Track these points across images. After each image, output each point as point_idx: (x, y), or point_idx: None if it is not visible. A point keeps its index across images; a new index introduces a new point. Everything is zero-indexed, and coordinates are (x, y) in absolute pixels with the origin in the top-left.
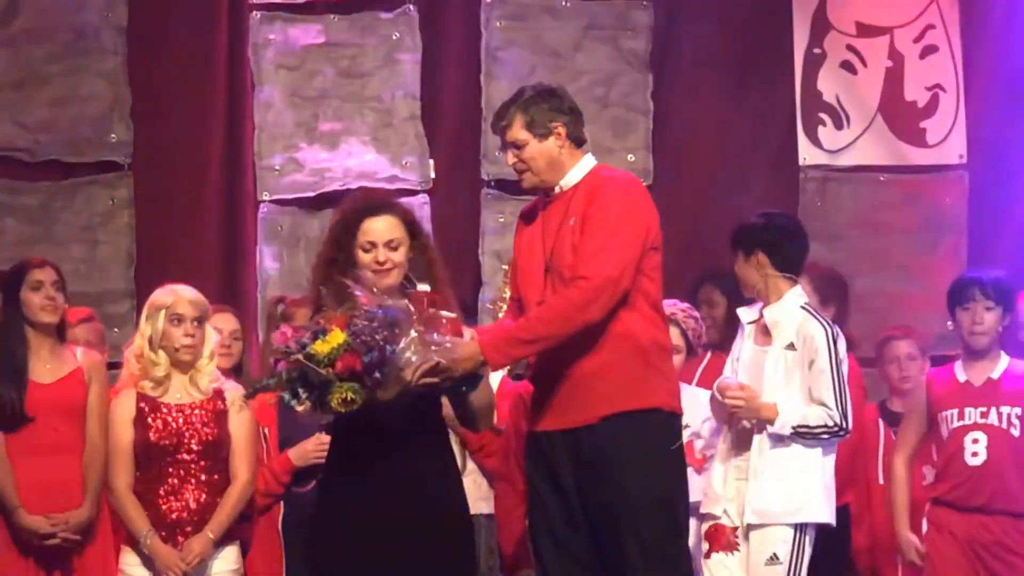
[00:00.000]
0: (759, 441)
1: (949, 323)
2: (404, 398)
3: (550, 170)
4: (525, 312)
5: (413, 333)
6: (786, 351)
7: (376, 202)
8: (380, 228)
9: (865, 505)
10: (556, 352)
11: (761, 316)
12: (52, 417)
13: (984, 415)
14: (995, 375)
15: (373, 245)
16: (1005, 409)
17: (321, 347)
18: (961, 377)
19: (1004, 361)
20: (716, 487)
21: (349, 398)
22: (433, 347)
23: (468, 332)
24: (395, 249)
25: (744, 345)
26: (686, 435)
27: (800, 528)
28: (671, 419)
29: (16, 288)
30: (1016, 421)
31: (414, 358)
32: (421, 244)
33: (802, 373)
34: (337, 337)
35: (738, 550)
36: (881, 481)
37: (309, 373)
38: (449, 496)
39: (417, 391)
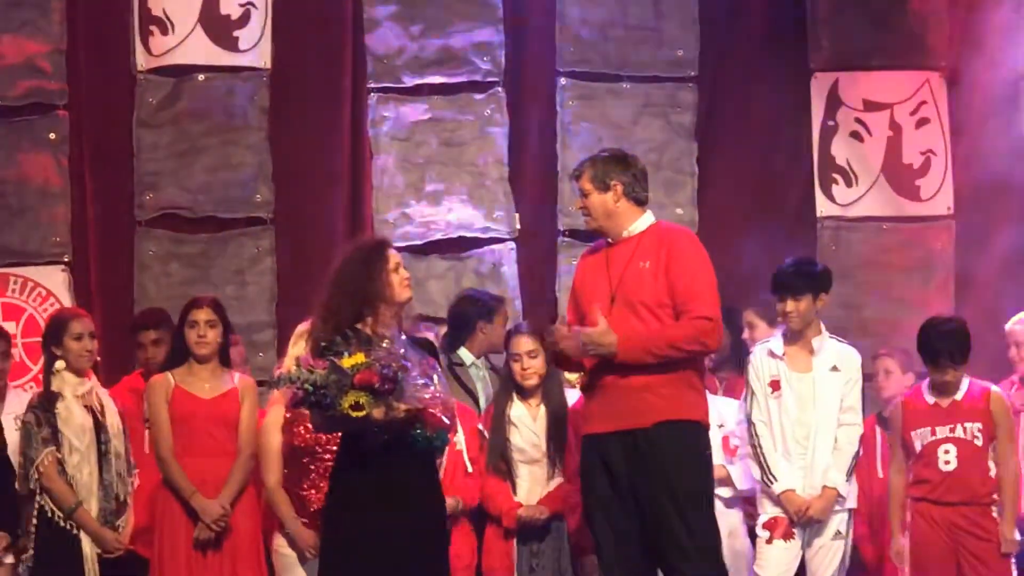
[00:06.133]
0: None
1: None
2: (390, 424)
3: (606, 218)
4: None
5: (419, 380)
6: (830, 373)
7: (384, 239)
8: (397, 256)
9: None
10: (615, 367)
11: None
12: (209, 425)
13: (952, 430)
14: (959, 397)
15: (399, 265)
16: (968, 424)
17: (346, 361)
18: (929, 400)
19: (965, 383)
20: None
21: (360, 403)
22: (418, 393)
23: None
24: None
25: (781, 372)
26: (722, 432)
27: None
28: (706, 430)
29: (182, 324)
30: (978, 434)
31: (415, 393)
32: None
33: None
34: (360, 358)
35: (794, 538)
36: (880, 475)
37: (332, 376)
38: (431, 500)
39: (398, 424)
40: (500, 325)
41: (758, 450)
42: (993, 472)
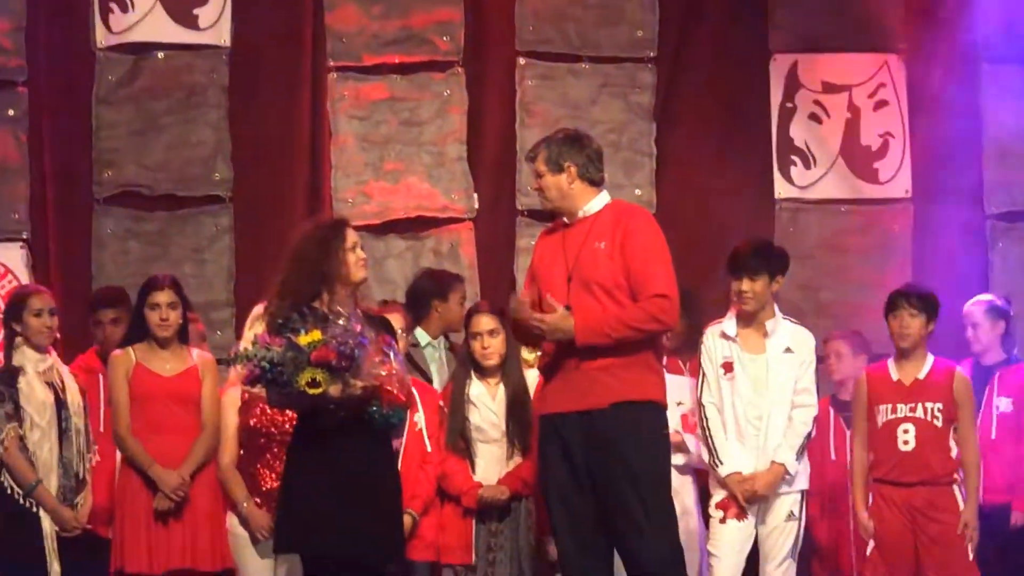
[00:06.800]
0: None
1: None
2: (346, 401)
3: (561, 199)
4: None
5: (375, 357)
6: (784, 355)
7: (343, 219)
8: (355, 235)
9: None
10: (574, 348)
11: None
12: (170, 402)
13: (912, 409)
14: (921, 375)
15: (356, 244)
16: (929, 404)
17: (303, 339)
18: (894, 376)
19: (929, 361)
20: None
21: (316, 380)
22: (375, 370)
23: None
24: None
25: (735, 354)
26: (681, 410)
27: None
28: (663, 410)
29: (141, 304)
30: (938, 414)
31: (372, 370)
32: None
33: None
34: (316, 335)
35: (747, 518)
36: (833, 457)
37: (288, 353)
38: (387, 478)
39: (355, 402)
40: (456, 304)
41: (706, 432)
42: (954, 453)
